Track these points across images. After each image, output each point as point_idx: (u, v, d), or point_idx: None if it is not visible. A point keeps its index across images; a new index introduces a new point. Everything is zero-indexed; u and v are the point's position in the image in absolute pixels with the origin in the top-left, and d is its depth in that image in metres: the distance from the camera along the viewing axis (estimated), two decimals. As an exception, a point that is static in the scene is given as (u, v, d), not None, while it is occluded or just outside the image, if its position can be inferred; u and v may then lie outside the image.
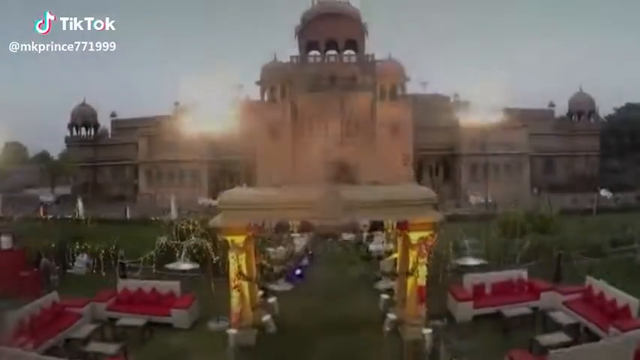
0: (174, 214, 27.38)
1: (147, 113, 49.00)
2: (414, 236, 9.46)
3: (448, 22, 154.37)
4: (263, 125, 31.28)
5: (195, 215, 17.48)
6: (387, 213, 9.25)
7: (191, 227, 15.81)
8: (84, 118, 48.71)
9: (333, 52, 41.16)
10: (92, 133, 49.52)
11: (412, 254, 9.66)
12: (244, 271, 9.81)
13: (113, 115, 57.07)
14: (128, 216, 28.08)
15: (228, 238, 9.63)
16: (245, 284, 10.02)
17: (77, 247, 17.00)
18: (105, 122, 55.90)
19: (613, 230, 19.90)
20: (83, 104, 49.33)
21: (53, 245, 17.28)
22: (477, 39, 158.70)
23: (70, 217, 28.66)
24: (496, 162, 38.41)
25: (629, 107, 56.37)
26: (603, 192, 20.90)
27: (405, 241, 9.98)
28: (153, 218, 26.85)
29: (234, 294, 9.86)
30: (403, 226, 9.29)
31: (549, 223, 15.39)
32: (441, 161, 40.86)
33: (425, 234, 9.48)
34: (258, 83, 32.40)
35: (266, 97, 31.75)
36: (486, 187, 18.66)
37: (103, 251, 16.48)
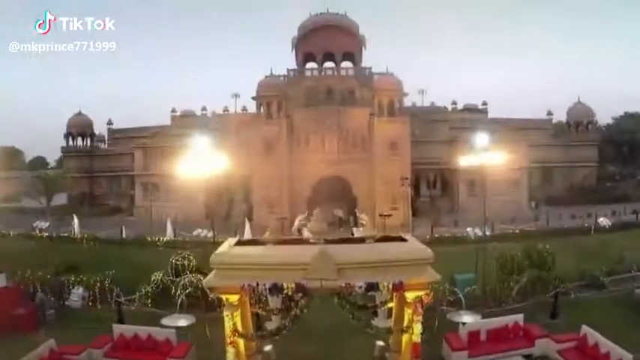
0: (169, 234, 27.42)
1: (144, 116, 49.08)
2: (410, 295, 9.42)
3: (447, 29, 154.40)
4: (259, 141, 31.13)
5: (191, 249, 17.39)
6: (382, 274, 9.19)
7: (186, 263, 15.74)
8: (80, 128, 48.53)
9: (330, 63, 41.07)
10: (88, 143, 49.34)
11: (407, 312, 9.62)
12: (239, 328, 9.75)
13: (110, 123, 56.94)
14: (124, 235, 27.95)
15: (223, 297, 9.58)
16: (240, 340, 9.97)
17: (72, 279, 16.91)
18: (103, 124, 55.78)
19: (611, 257, 20.02)
20: (79, 114, 49.13)
21: (49, 276, 17.26)
22: (476, 46, 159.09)
23: (65, 234, 28.67)
24: (494, 176, 38.30)
25: (627, 117, 56.57)
26: (602, 220, 20.98)
27: (401, 299, 9.94)
28: (149, 239, 26.96)
29: (230, 349, 9.81)
30: (399, 287, 9.24)
31: (547, 259, 15.41)
32: (439, 174, 40.79)
33: (421, 293, 9.44)
34: (254, 98, 32.32)
35: (262, 112, 31.60)
36: (484, 209, 18.63)
37: (98, 284, 16.41)
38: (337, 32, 39.12)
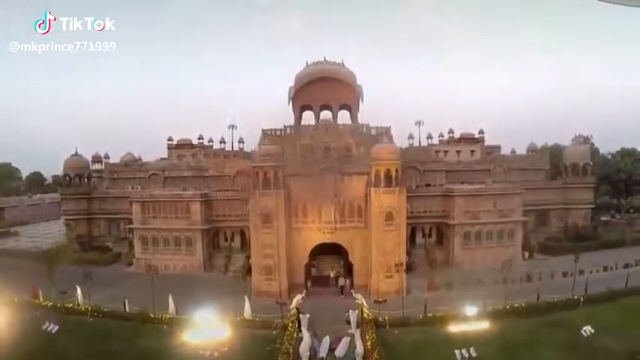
0: (172, 311, 27.92)
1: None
2: None
3: (447, 38, 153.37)
4: (256, 212, 31.39)
5: None
6: None
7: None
8: (77, 170, 48.39)
9: (328, 113, 41.14)
10: (85, 182, 49.24)
11: None
12: None
13: (106, 157, 57.00)
14: (127, 309, 28.48)
15: None
16: None
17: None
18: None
19: (594, 349, 20.88)
20: (75, 155, 48.91)
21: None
22: (476, 53, 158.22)
23: (69, 304, 29.23)
24: (489, 229, 38.85)
25: (623, 153, 56.54)
26: (585, 329, 21.70)
27: None
28: (152, 315, 27.48)
29: None
30: None
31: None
32: (434, 226, 41.21)
33: None
34: (252, 167, 32.49)
35: (260, 181, 31.84)
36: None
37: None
38: (334, 84, 38.90)
